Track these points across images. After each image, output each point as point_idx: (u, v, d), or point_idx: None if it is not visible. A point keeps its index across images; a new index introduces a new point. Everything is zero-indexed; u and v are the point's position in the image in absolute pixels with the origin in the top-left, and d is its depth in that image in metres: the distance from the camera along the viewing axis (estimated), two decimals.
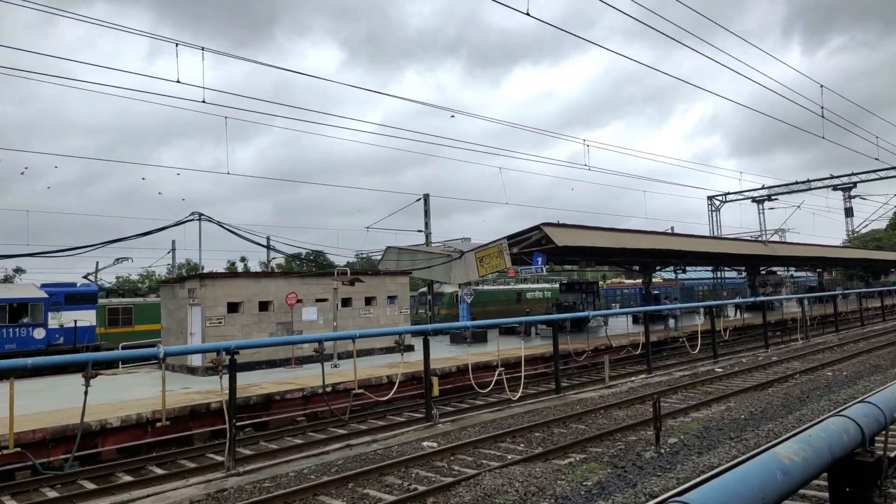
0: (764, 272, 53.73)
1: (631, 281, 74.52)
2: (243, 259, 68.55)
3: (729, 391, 15.96)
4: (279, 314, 19.33)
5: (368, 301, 21.98)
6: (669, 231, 40.51)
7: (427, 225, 30.80)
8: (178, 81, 14.81)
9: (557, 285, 46.85)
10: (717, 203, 37.88)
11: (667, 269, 44.58)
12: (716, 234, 37.66)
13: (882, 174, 32.46)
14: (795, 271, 67.96)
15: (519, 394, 15.10)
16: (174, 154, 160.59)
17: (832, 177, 33.94)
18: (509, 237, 23.63)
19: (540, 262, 22.74)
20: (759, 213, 36.04)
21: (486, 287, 40.35)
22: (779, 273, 63.07)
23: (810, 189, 34.42)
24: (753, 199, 36.19)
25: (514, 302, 40.08)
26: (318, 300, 20.30)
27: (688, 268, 61.83)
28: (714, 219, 37.73)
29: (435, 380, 12.58)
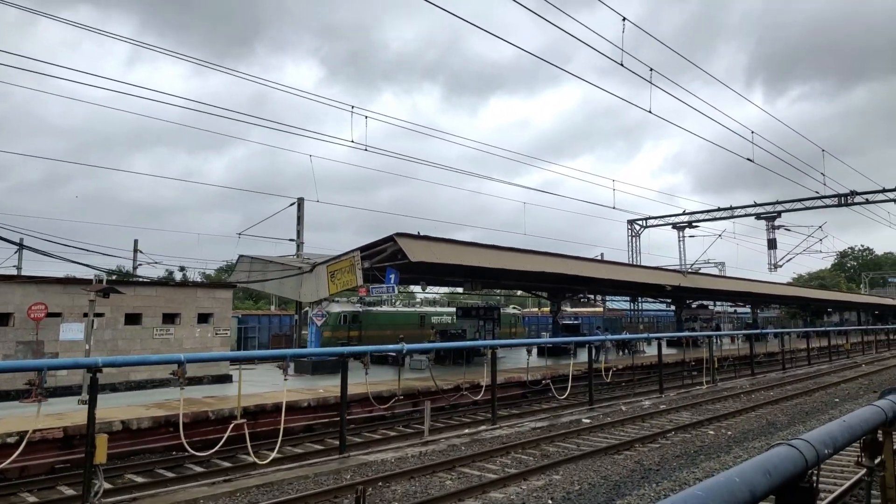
0: (695, 305, 51.22)
1: (576, 309, 71.61)
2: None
3: (568, 455, 12.32)
4: (23, 331, 15.05)
5: (170, 318, 17.81)
6: (598, 258, 37.46)
7: (299, 234, 26.83)
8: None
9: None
10: (638, 228, 34.96)
11: (592, 295, 41.47)
12: (635, 260, 34.71)
13: (808, 203, 29.98)
14: (732, 306, 66.05)
15: (273, 454, 11.11)
16: (146, 160, 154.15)
17: (756, 204, 31.35)
18: (363, 248, 19.84)
19: (393, 280, 18.98)
20: (679, 241, 33.28)
21: (384, 308, 36.40)
22: (712, 307, 60.78)
23: (733, 217, 31.85)
24: (673, 226, 33.43)
25: (417, 326, 36.19)
26: (86, 315, 16.05)
27: (641, 298, 59.07)
28: (634, 244, 34.80)
29: (102, 439, 8.53)
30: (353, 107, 18.08)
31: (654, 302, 55.56)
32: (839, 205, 29.01)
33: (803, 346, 42.38)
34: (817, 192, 29.95)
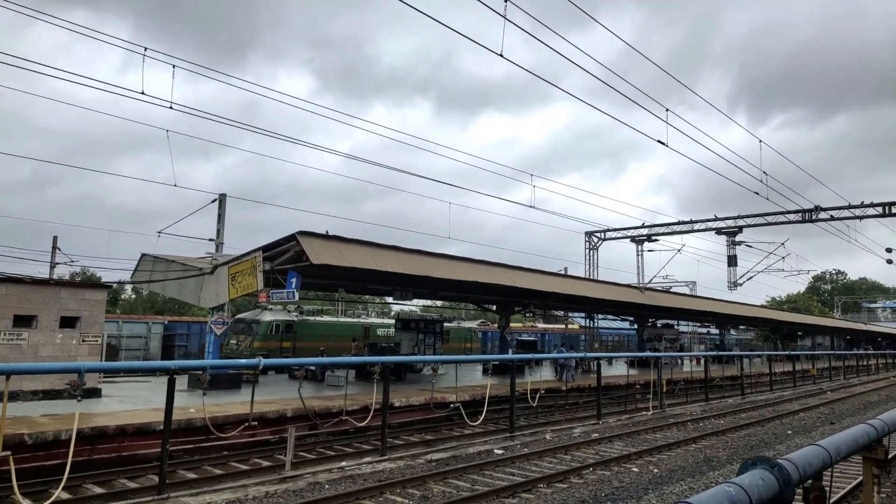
0: (661, 325, 49.41)
1: (548, 326, 69.47)
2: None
3: (451, 499, 10.14)
4: None
5: (25, 321, 15.39)
6: (561, 272, 35.46)
7: (219, 233, 24.48)
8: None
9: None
10: (596, 241, 33.09)
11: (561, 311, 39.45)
12: (593, 275, 32.80)
13: (770, 219, 28.32)
14: (702, 327, 64.48)
15: (56, 494, 8.76)
16: (135, 165, 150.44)
17: (716, 218, 29.65)
18: (265, 248, 17.63)
19: (294, 284, 16.76)
20: (638, 255, 31.46)
21: (325, 318, 34.00)
22: (678, 327, 59.08)
23: (693, 231, 30.11)
24: (632, 239, 31.62)
25: (361, 338, 33.86)
26: None
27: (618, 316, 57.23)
28: (591, 258, 32.88)
29: None
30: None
31: (615, 320, 53.72)
32: (803, 220, 27.39)
33: (768, 371, 40.74)
34: (782, 207, 28.35)
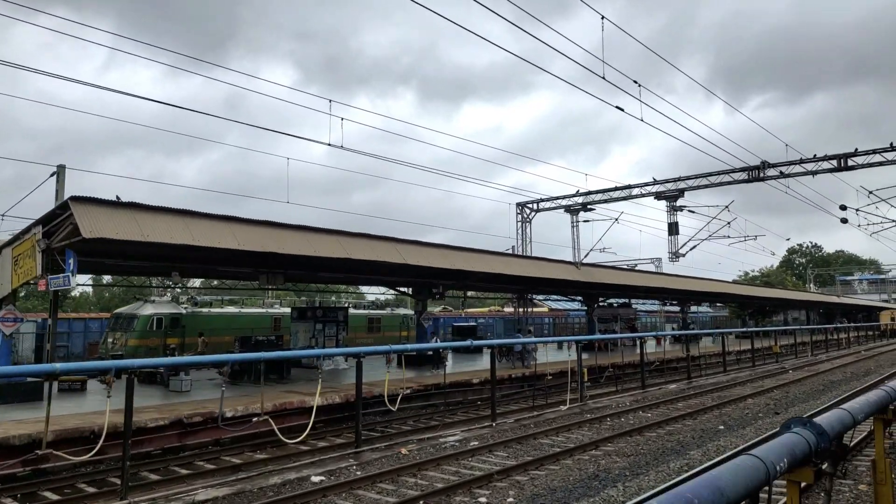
0: (617, 305, 46.08)
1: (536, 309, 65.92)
2: None
3: None
4: None
5: None
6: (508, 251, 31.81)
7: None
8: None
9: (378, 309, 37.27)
10: (528, 213, 29.46)
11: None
12: (525, 250, 29.19)
13: (712, 179, 24.82)
14: (670, 305, 61.42)
15: None
16: (119, 162, 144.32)
17: (655, 181, 26.08)
18: (43, 220, 13.74)
19: (72, 266, 12.90)
20: (573, 226, 27.83)
21: (225, 310, 30.04)
22: (636, 306, 55.70)
23: (631, 197, 26.55)
24: (566, 209, 28.04)
25: (270, 331, 30.05)
26: None
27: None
28: (524, 231, 29.25)
29: None
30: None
31: (564, 300, 50.27)
32: (749, 179, 23.97)
33: (735, 350, 37.58)
34: (729, 165, 24.87)
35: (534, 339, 22.69)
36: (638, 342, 24.06)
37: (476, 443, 13.77)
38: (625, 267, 34.66)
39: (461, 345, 17.70)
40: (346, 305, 27.49)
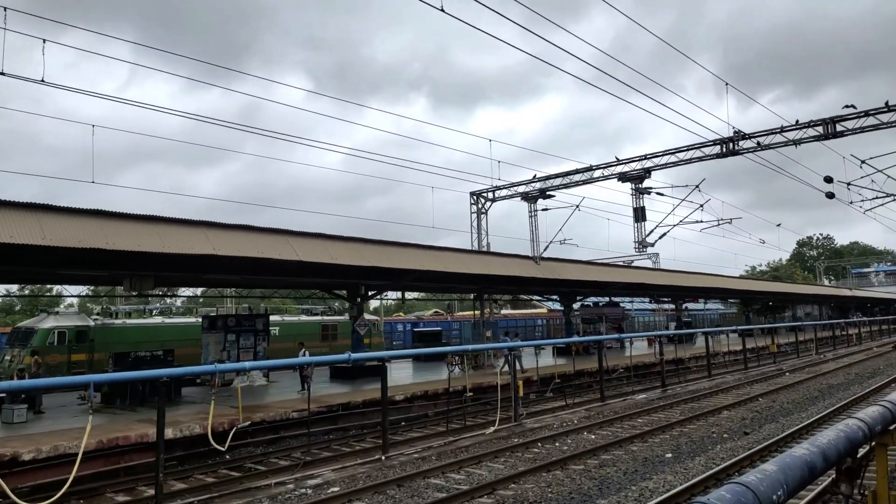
0: (602, 304, 42.59)
1: (517, 312, 62.75)
2: None
3: None
4: None
5: None
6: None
7: None
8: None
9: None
10: (483, 202, 26.24)
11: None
12: (481, 242, 25.97)
13: (681, 156, 21.39)
14: (667, 303, 57.75)
15: None
16: (136, 175, 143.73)
17: (618, 161, 22.71)
18: None
19: None
20: (531, 216, 24.56)
21: (141, 321, 27.08)
22: (635, 305, 52.27)
23: (592, 180, 23.23)
24: (523, 196, 24.77)
25: (193, 344, 27.03)
26: None
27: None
28: (480, 223, 26.01)
29: None
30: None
31: (543, 300, 46.98)
32: (722, 154, 20.58)
33: (732, 350, 34.07)
34: (703, 138, 21.47)
35: (471, 347, 19.38)
36: (599, 346, 20.67)
37: (337, 488, 10.60)
38: (602, 261, 31.25)
39: (336, 359, 14.17)
40: (265, 314, 24.38)
